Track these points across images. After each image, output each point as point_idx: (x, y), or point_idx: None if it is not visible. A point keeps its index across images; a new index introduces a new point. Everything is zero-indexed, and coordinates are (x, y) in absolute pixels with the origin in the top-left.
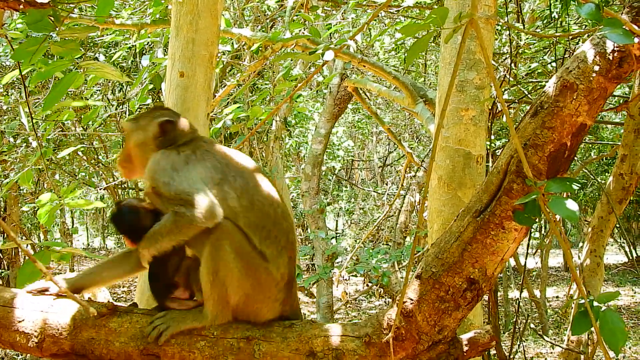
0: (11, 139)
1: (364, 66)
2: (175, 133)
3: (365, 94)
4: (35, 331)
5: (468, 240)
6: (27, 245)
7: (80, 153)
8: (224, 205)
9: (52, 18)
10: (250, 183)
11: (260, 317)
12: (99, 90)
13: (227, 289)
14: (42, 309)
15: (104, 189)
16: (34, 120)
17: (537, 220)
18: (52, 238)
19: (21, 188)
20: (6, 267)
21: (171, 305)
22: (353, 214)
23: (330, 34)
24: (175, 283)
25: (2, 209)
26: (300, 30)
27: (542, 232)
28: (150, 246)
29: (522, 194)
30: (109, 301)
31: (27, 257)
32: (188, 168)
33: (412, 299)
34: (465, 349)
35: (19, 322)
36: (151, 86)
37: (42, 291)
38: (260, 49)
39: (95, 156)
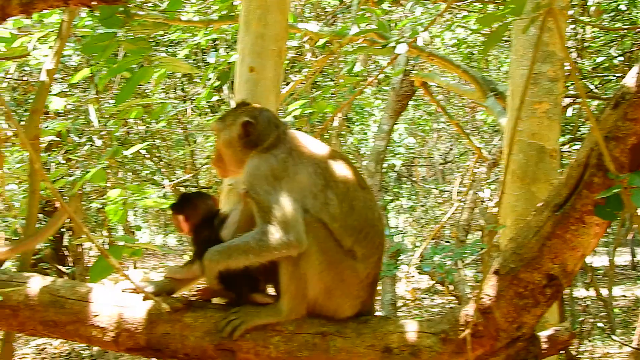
0: (76, 138)
1: (433, 60)
2: (261, 131)
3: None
4: (111, 326)
5: (547, 235)
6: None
7: (143, 151)
8: (324, 210)
9: (123, 15)
10: (350, 187)
11: (339, 313)
12: (162, 89)
13: (306, 284)
14: (117, 304)
15: (167, 187)
16: (103, 118)
17: (619, 214)
18: (113, 235)
19: (84, 186)
20: (71, 264)
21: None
22: (415, 211)
23: (395, 29)
24: (258, 277)
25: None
26: (366, 25)
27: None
28: (221, 260)
29: (603, 187)
30: (183, 296)
31: (99, 253)
32: (289, 177)
33: (489, 296)
34: (544, 346)
35: (95, 316)
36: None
37: (135, 290)
38: (326, 44)
39: (158, 154)
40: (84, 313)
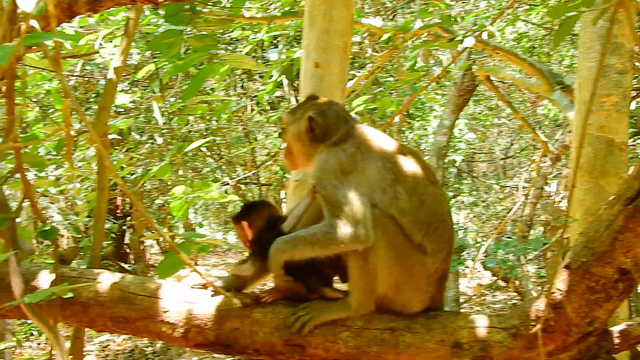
0: (137, 136)
1: (498, 53)
2: (328, 125)
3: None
4: (181, 321)
5: (619, 229)
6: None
7: (203, 148)
8: (394, 204)
9: (188, 12)
10: (419, 182)
11: (408, 308)
12: (222, 86)
13: (375, 278)
14: (186, 300)
15: (227, 184)
16: (166, 115)
17: None
18: (176, 232)
19: (144, 184)
20: (133, 261)
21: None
22: (477, 206)
23: (456, 22)
24: (326, 272)
25: (129, 205)
26: (430, 20)
27: None
28: (287, 250)
29: None
30: (252, 292)
31: (160, 251)
32: (357, 171)
33: (560, 290)
34: (617, 341)
35: (164, 312)
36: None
37: (204, 286)
38: (390, 39)
39: (218, 152)
40: (154, 309)
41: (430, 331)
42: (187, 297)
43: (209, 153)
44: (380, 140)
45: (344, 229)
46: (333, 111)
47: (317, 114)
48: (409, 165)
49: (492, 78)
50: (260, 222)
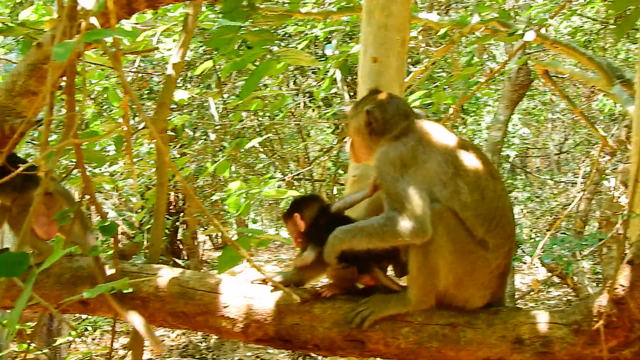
0: (190, 132)
1: (556, 47)
2: (388, 120)
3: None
4: (240, 317)
5: None
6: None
7: (257, 144)
8: (455, 198)
9: (246, 8)
10: (481, 176)
11: (469, 304)
12: (273, 82)
13: (436, 274)
14: (246, 295)
15: (282, 180)
16: (222, 112)
17: None
18: (230, 228)
19: (197, 180)
20: (186, 257)
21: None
22: (531, 201)
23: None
24: (382, 265)
25: (182, 201)
26: (487, 14)
27: None
28: (345, 239)
29: None
30: (312, 287)
31: (212, 247)
32: (418, 164)
33: (623, 286)
34: None
35: (224, 307)
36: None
37: (264, 281)
38: (446, 34)
39: (272, 148)
40: (214, 304)
41: (492, 327)
42: (247, 292)
43: (262, 149)
44: (441, 134)
45: (402, 222)
46: (393, 105)
47: (375, 108)
48: (470, 159)
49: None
50: (311, 213)
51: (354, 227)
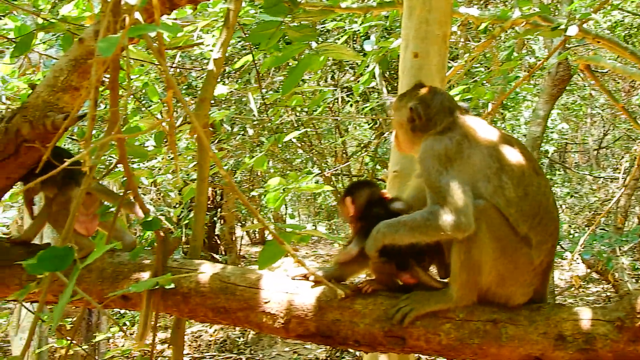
0: (228, 127)
1: (599, 42)
2: (432, 116)
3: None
4: (281, 312)
5: None
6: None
7: (294, 139)
8: (499, 193)
9: (288, 2)
10: (525, 172)
11: (512, 300)
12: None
13: (478, 270)
14: (287, 290)
15: (321, 175)
16: (260, 107)
17: None
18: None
19: (234, 176)
20: (224, 252)
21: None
22: (570, 197)
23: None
24: (423, 263)
25: (219, 196)
26: (528, 9)
27: None
28: (388, 233)
29: None
30: (352, 283)
31: (249, 243)
32: (462, 159)
33: None
34: None
35: (265, 303)
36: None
37: (305, 277)
38: (487, 28)
39: (309, 142)
40: (255, 300)
41: (534, 323)
42: (287, 287)
43: (300, 144)
44: (485, 129)
45: (444, 216)
46: (437, 101)
47: (418, 105)
48: (514, 155)
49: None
50: (362, 198)
51: (397, 221)
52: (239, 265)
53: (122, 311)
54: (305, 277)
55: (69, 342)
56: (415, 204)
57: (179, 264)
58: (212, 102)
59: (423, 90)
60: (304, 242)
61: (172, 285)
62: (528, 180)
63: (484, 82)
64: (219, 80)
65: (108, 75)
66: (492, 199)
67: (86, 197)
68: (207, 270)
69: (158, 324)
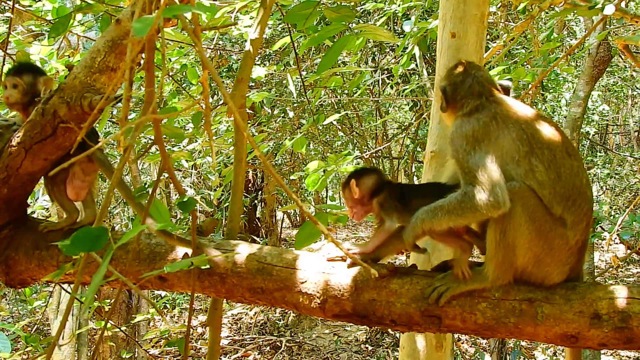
0: (269, 110)
1: (637, 22)
2: (462, 96)
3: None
4: (318, 292)
5: None
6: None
7: (334, 122)
8: (530, 176)
9: None
10: (557, 155)
11: (548, 280)
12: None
13: (514, 251)
14: (323, 270)
15: (360, 158)
16: (299, 89)
17: None
18: (308, 206)
19: (275, 157)
20: (264, 235)
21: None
22: (611, 178)
23: None
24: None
25: (260, 179)
26: None
27: None
28: (426, 220)
29: None
30: (389, 262)
31: (289, 225)
32: (490, 140)
33: None
34: None
35: (302, 283)
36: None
37: (342, 259)
38: (527, 8)
39: (350, 125)
40: (291, 280)
41: (569, 302)
42: (324, 267)
43: (340, 127)
44: (518, 111)
45: (478, 195)
46: (466, 84)
47: (447, 86)
48: (546, 136)
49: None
50: (368, 183)
51: (435, 206)
52: (282, 247)
53: (163, 293)
54: (343, 259)
55: (105, 322)
56: (454, 184)
57: (216, 245)
58: (252, 84)
59: (457, 72)
60: (342, 223)
61: (208, 266)
62: (560, 162)
63: (524, 63)
64: (258, 62)
65: (144, 57)
66: (525, 181)
67: (87, 164)
68: (243, 251)
69: (199, 307)
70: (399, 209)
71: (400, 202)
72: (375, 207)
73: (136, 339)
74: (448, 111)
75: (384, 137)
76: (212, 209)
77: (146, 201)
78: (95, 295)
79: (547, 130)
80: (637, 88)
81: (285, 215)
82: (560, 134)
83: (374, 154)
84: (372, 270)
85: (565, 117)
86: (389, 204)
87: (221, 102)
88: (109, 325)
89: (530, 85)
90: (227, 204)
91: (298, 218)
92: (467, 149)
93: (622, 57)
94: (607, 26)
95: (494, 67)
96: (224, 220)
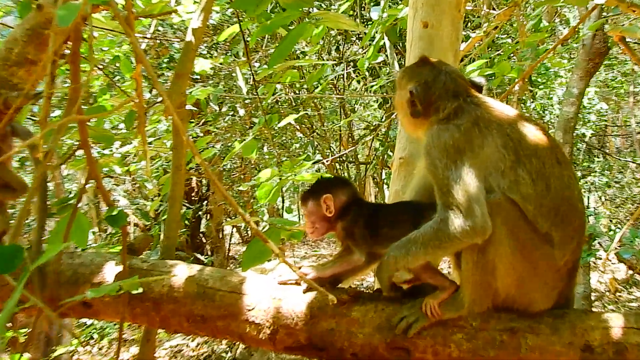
0: (216, 107)
1: (634, 11)
2: (434, 99)
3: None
4: (268, 321)
5: None
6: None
7: (292, 122)
8: (513, 189)
9: None
10: (546, 163)
11: (532, 307)
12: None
13: (493, 272)
14: (274, 296)
15: (321, 162)
16: (250, 84)
17: None
18: (259, 220)
19: (224, 163)
20: (210, 253)
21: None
22: (610, 187)
23: None
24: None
25: (206, 187)
26: None
27: None
28: (400, 258)
29: None
30: (350, 287)
31: (240, 241)
32: (473, 150)
33: None
34: None
35: (249, 310)
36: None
37: (296, 282)
38: None
39: (310, 125)
40: (237, 306)
41: (557, 332)
42: (275, 292)
43: (298, 127)
44: (500, 113)
45: (457, 221)
46: (440, 83)
47: (419, 87)
48: (533, 143)
49: (628, 39)
50: (344, 198)
51: (407, 240)
52: (228, 268)
53: (89, 321)
54: (297, 283)
55: (20, 355)
56: (423, 196)
57: (149, 266)
58: (198, 78)
59: (425, 69)
60: (296, 240)
61: (141, 290)
62: (549, 172)
63: (510, 55)
64: (204, 52)
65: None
66: (507, 193)
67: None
68: (181, 273)
69: (131, 337)
70: (367, 237)
71: (369, 226)
72: (340, 232)
73: None
74: (412, 116)
75: (350, 139)
76: (149, 223)
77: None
78: (10, 324)
79: (534, 135)
80: None
81: (234, 230)
82: (549, 138)
83: (338, 159)
84: (330, 295)
85: (557, 116)
86: (359, 232)
87: (160, 98)
88: (24, 358)
89: (516, 81)
90: (165, 216)
91: (249, 233)
92: (447, 163)
93: (622, 48)
94: (604, 14)
95: (474, 61)
96: (162, 236)
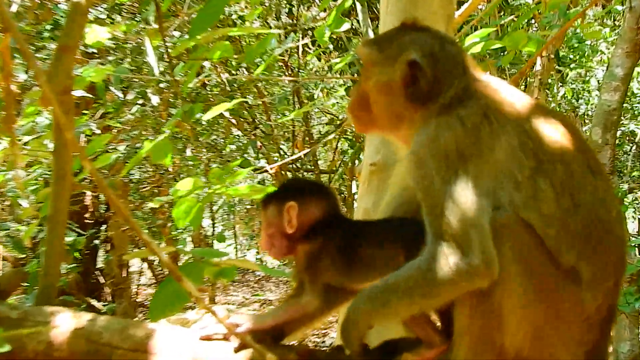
0: (119, 94)
1: None
2: (440, 75)
3: None
4: None
5: None
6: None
7: (226, 113)
8: (530, 206)
9: None
10: (575, 170)
11: None
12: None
13: (499, 323)
14: (193, 356)
15: (264, 171)
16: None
17: None
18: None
19: (130, 171)
20: (110, 297)
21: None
22: None
23: None
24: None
25: (105, 206)
26: None
27: None
28: (372, 313)
29: None
30: (301, 343)
31: (155, 280)
32: (481, 154)
33: None
34: None
35: None
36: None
37: (224, 336)
38: None
39: (252, 119)
40: None
41: None
42: (195, 351)
43: (235, 121)
44: (515, 101)
45: (453, 258)
46: (448, 53)
47: (424, 58)
48: (558, 144)
49: None
50: (316, 212)
51: (384, 288)
52: (135, 319)
53: None
54: (226, 338)
55: None
56: (399, 212)
57: (20, 313)
58: (94, 52)
59: (422, 35)
60: (228, 279)
61: (8, 348)
62: (579, 184)
63: (526, 22)
64: (104, 18)
65: None
66: (520, 212)
67: None
68: (65, 323)
69: None
70: (339, 266)
71: (344, 251)
72: (301, 258)
73: None
74: (412, 102)
75: (307, 138)
76: (24, 255)
77: None
78: None
79: (560, 134)
80: None
81: (145, 265)
82: (579, 138)
83: (290, 165)
84: (269, 355)
85: (594, 106)
86: (327, 260)
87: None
88: None
89: (534, 56)
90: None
91: (165, 271)
92: (445, 177)
93: None
94: None
95: (476, 29)
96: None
